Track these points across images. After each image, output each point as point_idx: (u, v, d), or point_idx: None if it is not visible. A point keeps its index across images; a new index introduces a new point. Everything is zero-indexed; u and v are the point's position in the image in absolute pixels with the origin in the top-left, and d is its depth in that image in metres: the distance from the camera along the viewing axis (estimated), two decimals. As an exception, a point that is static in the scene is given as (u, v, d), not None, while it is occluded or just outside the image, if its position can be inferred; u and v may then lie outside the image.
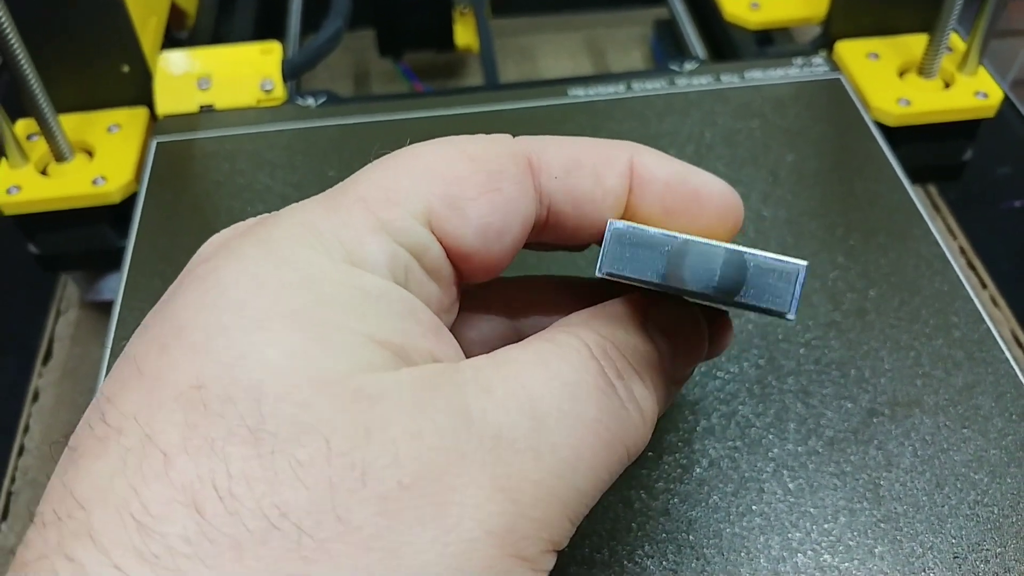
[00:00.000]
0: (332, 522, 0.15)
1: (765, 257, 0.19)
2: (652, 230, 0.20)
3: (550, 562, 0.18)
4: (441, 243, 0.20)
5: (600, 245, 0.20)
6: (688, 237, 0.19)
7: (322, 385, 0.16)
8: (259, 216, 0.20)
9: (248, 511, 0.15)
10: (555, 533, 0.18)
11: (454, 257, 0.20)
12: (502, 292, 0.25)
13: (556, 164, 0.21)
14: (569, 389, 0.18)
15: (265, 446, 0.16)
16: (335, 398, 0.16)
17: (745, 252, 0.19)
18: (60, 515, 0.16)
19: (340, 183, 0.20)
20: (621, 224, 0.20)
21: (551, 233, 0.22)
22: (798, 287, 0.19)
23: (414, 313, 0.19)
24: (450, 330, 0.21)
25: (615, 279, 0.20)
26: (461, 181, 0.20)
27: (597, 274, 0.20)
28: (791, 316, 0.19)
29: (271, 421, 0.16)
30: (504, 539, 0.16)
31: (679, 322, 0.22)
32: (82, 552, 0.15)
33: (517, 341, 0.24)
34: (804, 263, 0.19)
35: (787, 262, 0.19)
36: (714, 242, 0.19)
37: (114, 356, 0.33)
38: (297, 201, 0.40)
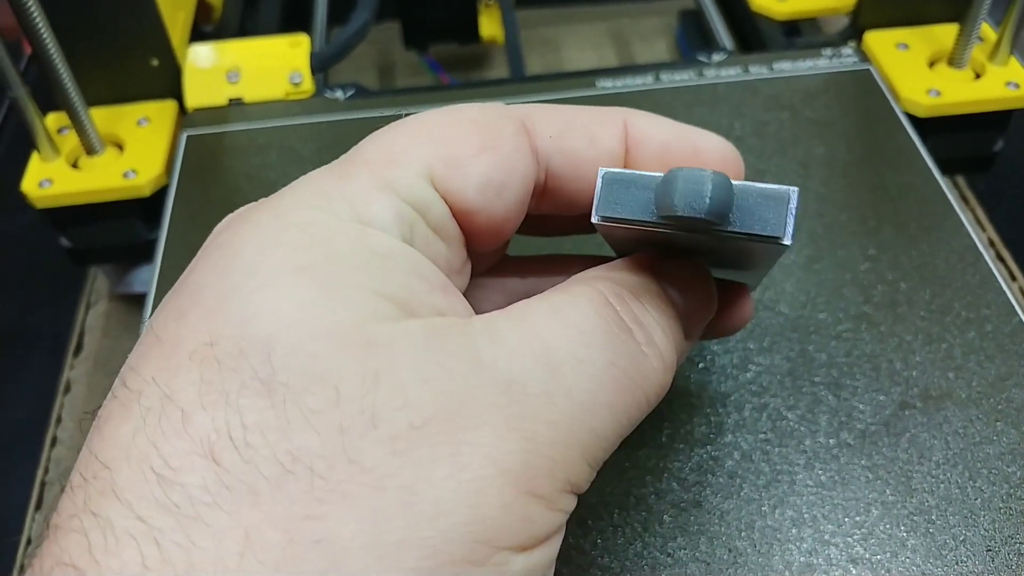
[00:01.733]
0: (344, 464, 0.16)
1: (754, 184, 0.19)
2: (641, 172, 0.20)
3: (569, 503, 0.18)
4: (445, 201, 0.21)
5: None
6: (675, 167, 0.19)
7: (331, 336, 0.17)
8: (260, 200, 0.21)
9: (263, 458, 0.16)
10: (573, 474, 0.18)
11: (459, 215, 0.21)
12: (518, 267, 0.26)
13: (550, 125, 0.22)
14: (584, 336, 0.18)
15: (277, 396, 0.16)
16: (344, 347, 0.17)
17: (733, 181, 0.19)
18: (86, 477, 0.16)
19: (347, 152, 0.21)
20: (611, 169, 0.20)
21: (551, 200, 0.23)
22: (790, 212, 0.19)
23: (421, 270, 0.19)
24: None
25: (610, 223, 0.20)
26: (459, 141, 0.21)
27: (592, 221, 0.20)
28: (786, 241, 0.19)
29: (282, 372, 0.16)
30: (519, 477, 0.17)
31: (691, 276, 0.22)
32: (107, 507, 0.16)
33: None
34: (795, 188, 0.19)
35: (776, 188, 0.19)
36: (700, 168, 0.18)
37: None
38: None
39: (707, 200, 0.18)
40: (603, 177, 0.20)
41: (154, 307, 0.35)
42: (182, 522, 0.15)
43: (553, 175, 0.22)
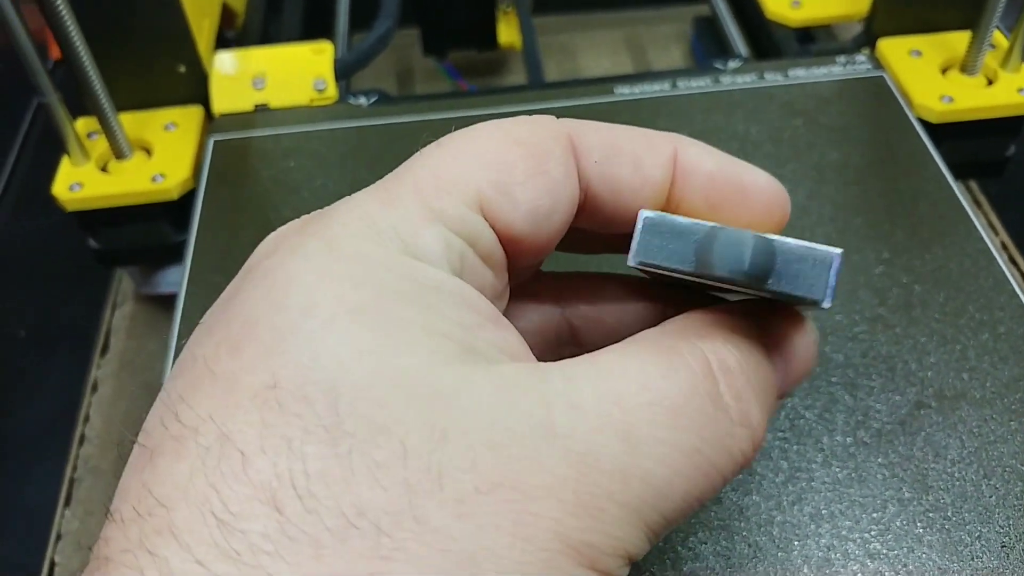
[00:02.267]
0: (410, 522, 0.15)
1: (798, 244, 0.18)
2: (682, 219, 0.19)
3: (625, 572, 0.18)
4: (492, 228, 0.20)
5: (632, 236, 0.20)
6: (717, 224, 0.19)
7: (396, 384, 0.16)
8: (315, 212, 0.20)
9: (326, 509, 0.15)
10: (634, 549, 0.17)
11: (505, 241, 0.20)
12: (549, 282, 0.25)
13: (597, 148, 0.21)
14: (673, 416, 0.17)
15: (342, 446, 0.16)
16: (410, 397, 0.16)
17: (775, 239, 0.18)
18: (140, 512, 0.16)
19: (392, 172, 0.21)
20: (652, 214, 0.20)
21: (586, 219, 0.22)
22: (833, 275, 0.18)
23: (473, 303, 0.19)
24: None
25: (646, 269, 0.20)
26: (509, 165, 0.20)
27: (629, 264, 0.20)
28: (826, 304, 0.18)
29: (348, 421, 0.16)
30: (582, 552, 0.16)
31: (797, 334, 0.21)
32: (164, 548, 0.15)
33: (567, 330, 0.24)
34: (839, 251, 0.18)
35: (820, 249, 0.18)
36: (743, 230, 0.18)
37: (179, 351, 0.34)
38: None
39: (746, 264, 0.18)
40: (643, 221, 0.20)
41: (184, 310, 0.36)
42: (243, 570, 0.15)
43: (593, 196, 0.21)
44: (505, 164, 0.20)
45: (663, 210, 0.21)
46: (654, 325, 0.20)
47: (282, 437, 0.16)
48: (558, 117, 0.44)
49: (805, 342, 0.21)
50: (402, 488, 0.15)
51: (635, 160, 0.21)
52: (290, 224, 0.20)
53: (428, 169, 0.20)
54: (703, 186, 0.21)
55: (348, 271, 0.18)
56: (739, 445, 0.18)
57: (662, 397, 0.17)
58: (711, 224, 0.19)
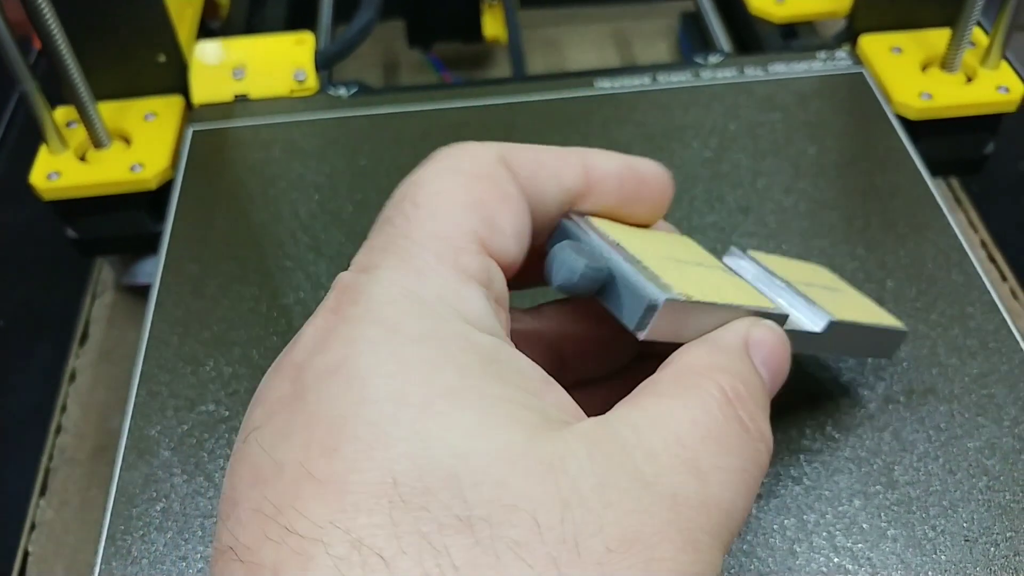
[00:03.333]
0: None
1: (634, 275, 0.21)
2: (568, 243, 0.22)
3: None
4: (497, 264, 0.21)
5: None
6: (573, 244, 0.22)
7: (508, 461, 0.17)
8: (338, 296, 0.20)
9: None
10: (719, 570, 0.19)
11: (505, 272, 0.21)
12: (523, 317, 0.26)
13: (524, 165, 0.22)
14: (721, 444, 0.19)
15: (480, 532, 0.16)
16: (526, 472, 0.17)
17: (620, 267, 0.22)
18: None
19: (375, 242, 0.21)
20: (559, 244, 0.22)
21: None
22: (644, 312, 0.21)
23: (525, 369, 0.20)
24: None
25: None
26: (482, 200, 0.21)
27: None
28: (640, 336, 0.21)
29: (478, 507, 0.16)
30: None
31: (775, 349, 0.23)
32: None
33: (558, 360, 0.25)
34: (663, 296, 0.21)
35: (646, 288, 0.21)
36: (577, 255, 0.21)
37: (153, 340, 0.34)
38: (329, 190, 0.41)
39: (576, 278, 0.21)
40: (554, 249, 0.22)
41: (158, 300, 0.36)
42: None
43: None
44: (480, 201, 0.21)
45: (582, 213, 0.24)
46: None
47: (418, 534, 0.16)
48: (539, 110, 0.46)
49: (782, 351, 0.23)
50: (547, 562, 0.16)
51: (556, 173, 0.23)
52: (320, 313, 0.20)
53: (427, 231, 0.20)
54: (614, 186, 0.24)
55: (423, 354, 0.18)
56: (763, 458, 0.21)
57: (709, 429, 0.19)
58: (569, 243, 0.22)
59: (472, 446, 0.17)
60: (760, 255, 0.29)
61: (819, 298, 0.27)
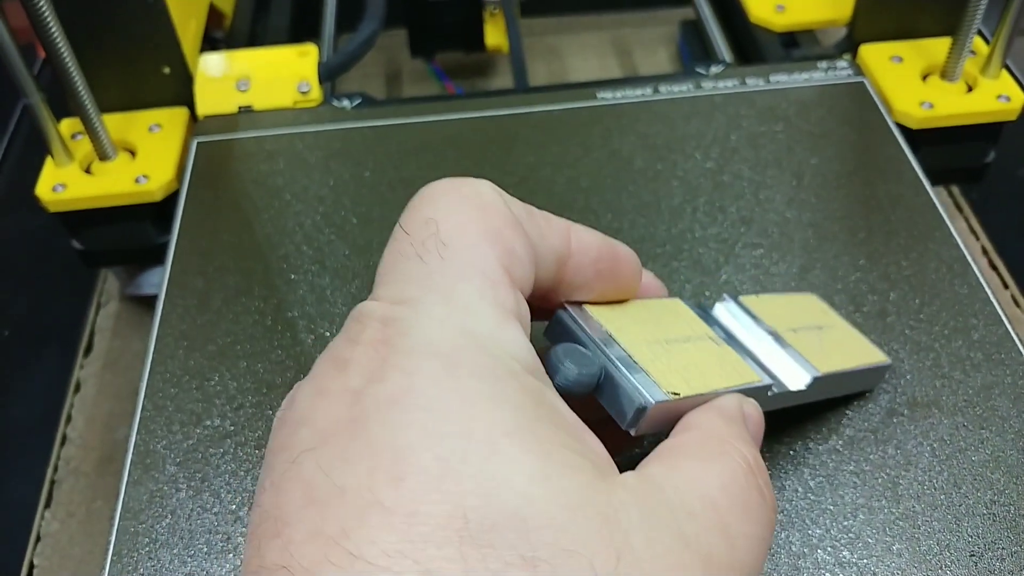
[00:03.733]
0: None
1: (627, 379, 0.23)
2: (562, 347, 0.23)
3: None
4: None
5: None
6: (574, 347, 0.23)
7: (568, 507, 0.17)
8: (374, 337, 0.20)
9: None
10: None
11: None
12: None
13: (517, 205, 0.23)
14: (746, 510, 0.21)
15: (542, 573, 0.16)
16: (585, 519, 0.18)
17: (616, 369, 0.23)
18: None
19: (405, 266, 0.21)
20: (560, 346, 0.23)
21: None
22: (633, 415, 0.23)
23: (566, 413, 0.20)
24: None
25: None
26: (498, 230, 0.21)
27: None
28: (632, 432, 0.23)
29: (541, 548, 0.17)
30: None
31: (759, 425, 0.25)
32: None
33: None
34: (651, 401, 0.22)
35: (636, 391, 0.22)
36: (587, 359, 0.23)
37: (158, 353, 0.35)
38: (332, 202, 0.41)
39: (571, 378, 0.22)
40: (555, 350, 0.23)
41: (163, 312, 0.36)
42: None
43: None
44: (498, 231, 0.21)
45: (577, 303, 0.25)
46: None
47: (486, 570, 0.16)
48: (541, 121, 0.46)
49: (762, 426, 0.25)
50: None
51: (543, 226, 0.23)
52: (366, 342, 0.20)
53: (464, 264, 0.21)
54: (593, 259, 0.24)
55: (483, 391, 0.19)
56: (774, 525, 0.22)
57: (736, 496, 0.21)
58: (563, 348, 0.23)
59: (536, 490, 0.17)
60: (751, 300, 0.31)
61: (805, 346, 0.29)
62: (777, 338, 0.29)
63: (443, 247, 0.21)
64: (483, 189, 0.22)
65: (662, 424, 0.24)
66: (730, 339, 0.29)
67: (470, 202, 0.22)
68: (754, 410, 0.25)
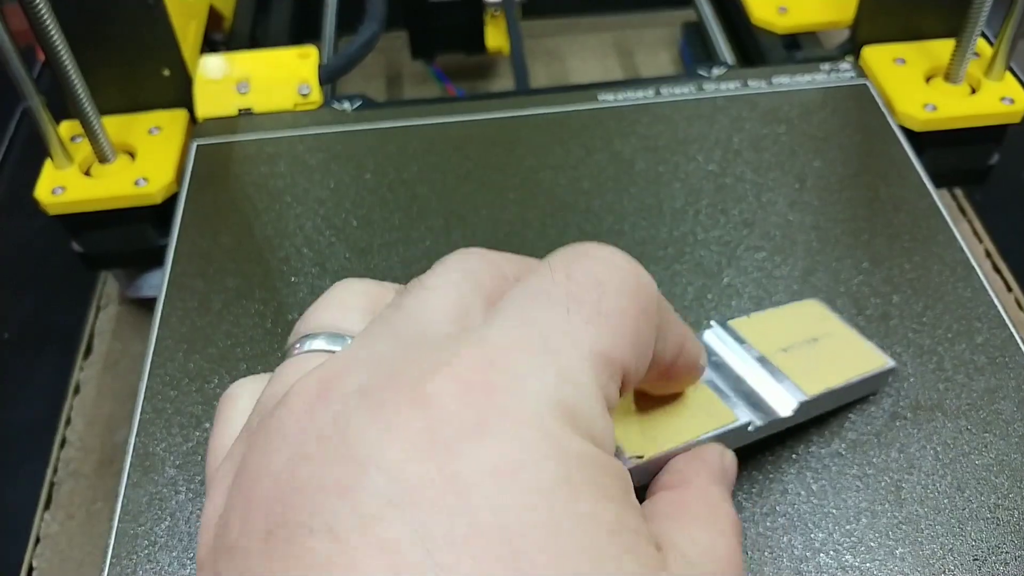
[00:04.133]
0: None
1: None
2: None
3: None
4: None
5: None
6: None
7: None
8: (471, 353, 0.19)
9: None
10: None
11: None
12: None
13: (662, 303, 0.23)
14: (738, 571, 0.22)
15: None
16: None
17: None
18: None
19: (521, 318, 0.20)
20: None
21: None
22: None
23: (631, 493, 0.20)
24: None
25: None
26: (638, 331, 0.21)
27: None
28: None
29: None
30: None
31: (734, 477, 0.26)
32: None
33: None
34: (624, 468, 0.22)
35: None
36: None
37: (158, 356, 0.34)
38: (333, 204, 0.41)
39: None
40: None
41: (163, 314, 0.36)
42: None
43: None
44: (635, 330, 0.21)
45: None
46: None
47: None
48: (543, 123, 0.45)
49: (735, 475, 0.27)
50: None
51: (671, 325, 0.23)
52: (453, 392, 0.18)
53: (590, 339, 0.20)
54: (681, 368, 0.25)
55: (589, 477, 0.18)
56: None
57: (732, 559, 0.22)
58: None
59: None
60: (741, 322, 0.31)
61: (795, 367, 0.30)
62: (765, 363, 0.30)
63: (599, 317, 0.20)
64: (645, 278, 0.22)
65: (640, 479, 0.24)
66: (719, 367, 0.30)
67: (637, 281, 0.21)
68: (732, 464, 0.26)
